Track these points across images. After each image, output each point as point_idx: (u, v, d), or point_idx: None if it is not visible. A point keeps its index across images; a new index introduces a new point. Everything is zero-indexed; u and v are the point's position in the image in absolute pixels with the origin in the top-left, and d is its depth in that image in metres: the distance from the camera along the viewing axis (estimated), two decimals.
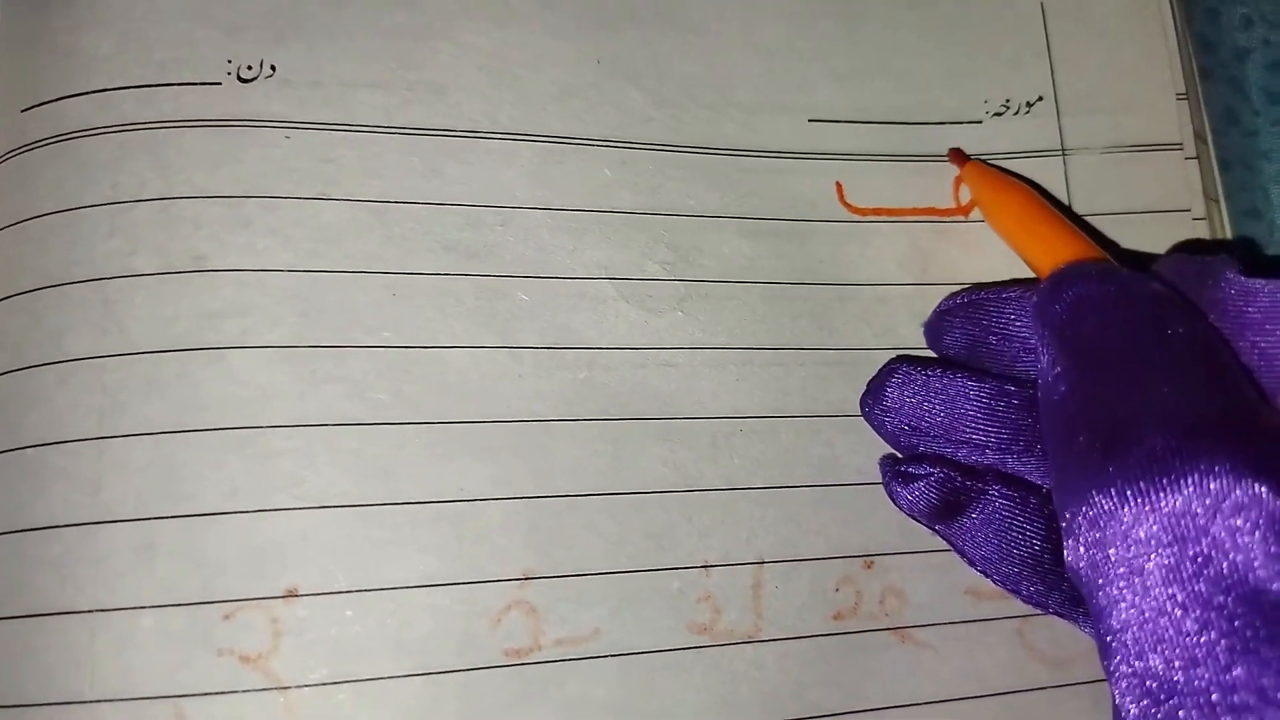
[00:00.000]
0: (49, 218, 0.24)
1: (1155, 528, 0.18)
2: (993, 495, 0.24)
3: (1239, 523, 0.18)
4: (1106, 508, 0.19)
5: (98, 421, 0.23)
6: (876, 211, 0.28)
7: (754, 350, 0.26)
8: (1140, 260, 0.26)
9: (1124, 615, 0.19)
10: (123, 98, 0.24)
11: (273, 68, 0.25)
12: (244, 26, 0.25)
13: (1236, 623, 0.18)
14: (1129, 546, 0.19)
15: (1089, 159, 0.29)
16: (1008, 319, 0.24)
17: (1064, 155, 0.29)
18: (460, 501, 0.24)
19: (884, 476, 0.25)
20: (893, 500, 0.25)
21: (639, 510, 0.24)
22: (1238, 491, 0.18)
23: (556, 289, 0.25)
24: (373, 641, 0.23)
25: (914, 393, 0.25)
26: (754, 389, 0.26)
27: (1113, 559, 0.19)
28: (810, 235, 0.27)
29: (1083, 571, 0.19)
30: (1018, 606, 0.26)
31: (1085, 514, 0.19)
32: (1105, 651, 0.19)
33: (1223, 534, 0.18)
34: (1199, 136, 0.29)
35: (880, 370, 0.26)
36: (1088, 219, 0.28)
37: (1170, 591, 0.18)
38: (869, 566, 0.26)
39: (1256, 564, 0.18)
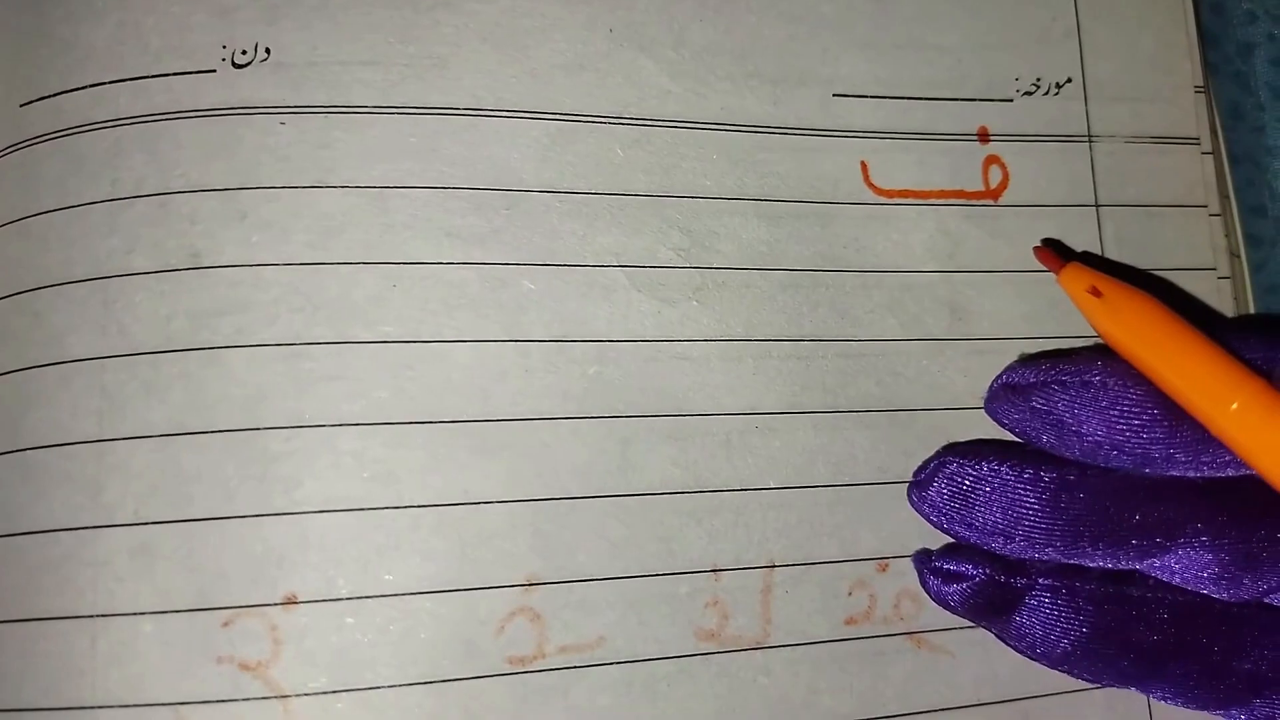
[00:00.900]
0: (49, 215, 0.23)
1: None
2: (1040, 591, 0.23)
3: None
4: None
5: (98, 423, 0.22)
6: (903, 193, 0.26)
7: (772, 342, 0.25)
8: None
9: None
10: (118, 91, 0.23)
11: (267, 51, 0.24)
12: (237, 7, 0.24)
13: None
14: None
15: (1114, 147, 0.27)
16: (1087, 409, 0.23)
17: (1090, 141, 0.27)
18: (463, 504, 0.23)
19: (919, 571, 0.24)
20: (930, 594, 0.24)
21: (647, 512, 0.24)
22: None
23: (565, 277, 0.24)
24: (374, 649, 0.22)
25: (966, 491, 0.24)
26: (771, 383, 0.25)
27: None
28: (833, 218, 0.26)
29: None
30: None
31: None
32: None
33: None
34: (1212, 132, 0.28)
35: (929, 463, 0.25)
36: (1114, 209, 0.27)
37: None
38: (884, 569, 0.25)
39: None
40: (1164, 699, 0.24)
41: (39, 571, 0.22)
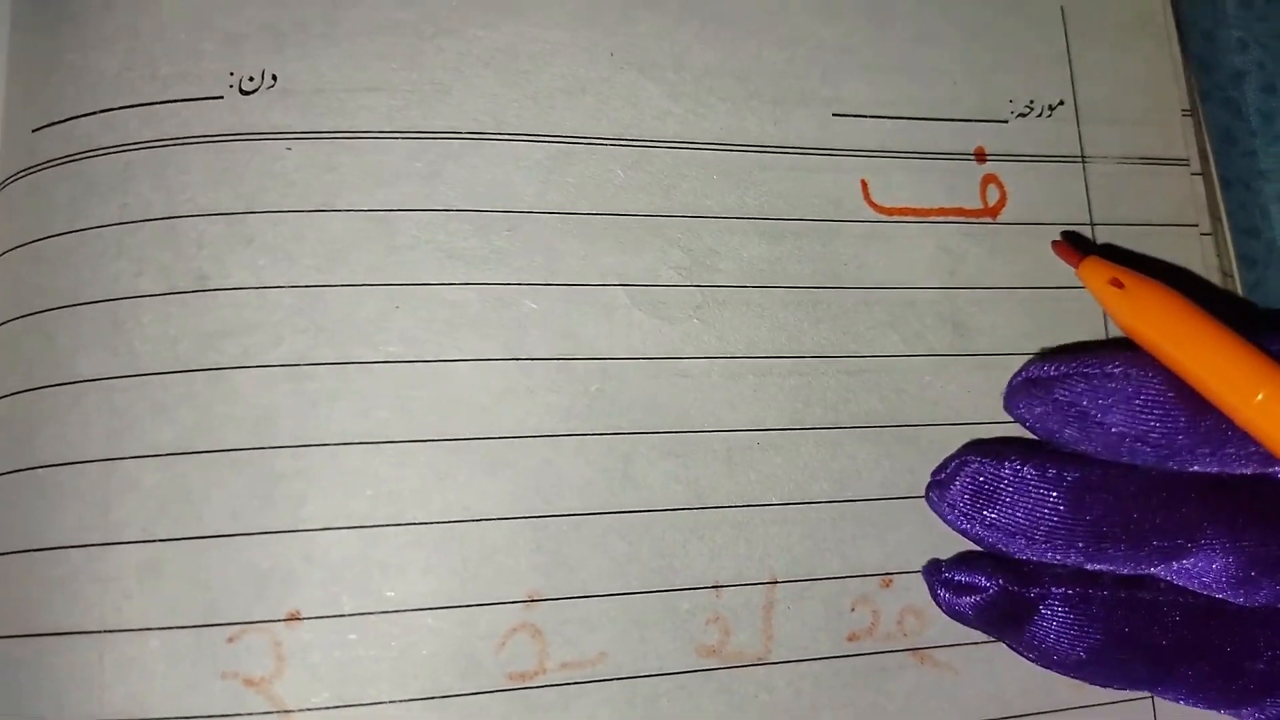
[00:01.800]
0: (60, 238, 0.24)
1: None
2: (1054, 600, 0.23)
3: None
4: None
5: (107, 442, 0.23)
6: (903, 211, 0.27)
7: (773, 359, 0.25)
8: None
9: None
10: (127, 117, 0.24)
11: (274, 77, 0.24)
12: (245, 35, 0.24)
13: None
14: None
15: (1106, 168, 0.28)
16: (1110, 399, 0.23)
17: (1084, 162, 0.28)
18: (466, 521, 0.23)
19: (929, 584, 0.24)
20: (941, 607, 0.24)
21: (649, 529, 0.24)
22: None
23: (566, 297, 0.25)
24: (376, 665, 0.22)
25: (988, 491, 0.24)
26: (773, 400, 0.25)
27: None
28: (834, 236, 0.26)
29: None
30: None
31: None
32: None
33: None
34: (1202, 155, 0.29)
35: (950, 462, 0.25)
36: (1108, 228, 0.28)
37: None
38: (887, 585, 0.25)
39: None
40: (1176, 700, 0.24)
41: (49, 587, 0.22)
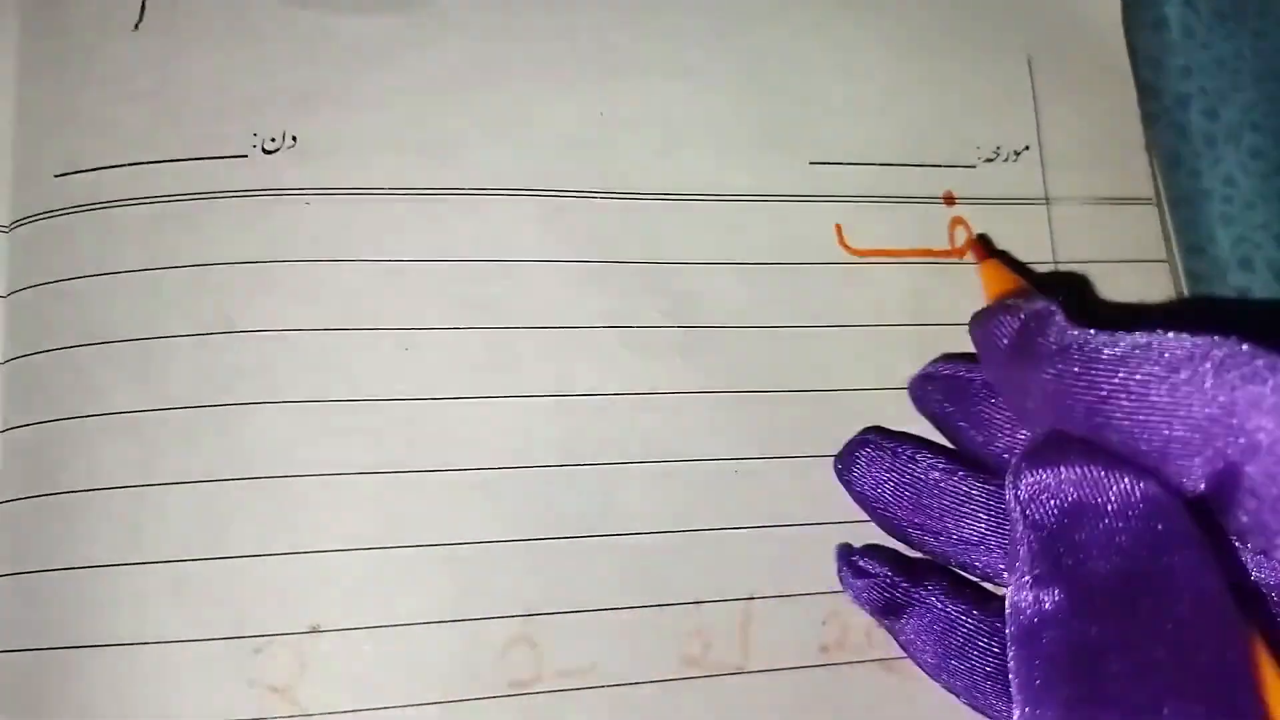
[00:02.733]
0: (90, 279, 0.26)
1: None
2: (933, 603, 0.24)
3: None
4: None
5: (139, 470, 0.25)
6: (875, 252, 0.29)
7: (750, 393, 0.27)
8: (1117, 318, 0.27)
9: None
10: (158, 171, 0.26)
11: (294, 139, 0.27)
12: (267, 100, 0.27)
13: None
14: None
15: (1071, 209, 0.30)
16: (988, 406, 0.25)
17: (1048, 204, 0.29)
18: (469, 544, 0.26)
19: (838, 562, 0.26)
20: (841, 584, 0.26)
21: (635, 550, 0.26)
22: None
23: (560, 338, 0.27)
24: (389, 673, 0.25)
25: (880, 471, 0.26)
26: (750, 430, 0.27)
27: None
28: (809, 277, 0.28)
29: None
30: None
31: None
32: None
33: None
34: (1152, 177, 0.31)
35: (851, 440, 0.27)
36: (1071, 266, 0.29)
37: None
38: None
39: None
40: None
41: (83, 603, 0.25)
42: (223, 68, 0.27)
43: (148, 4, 0.27)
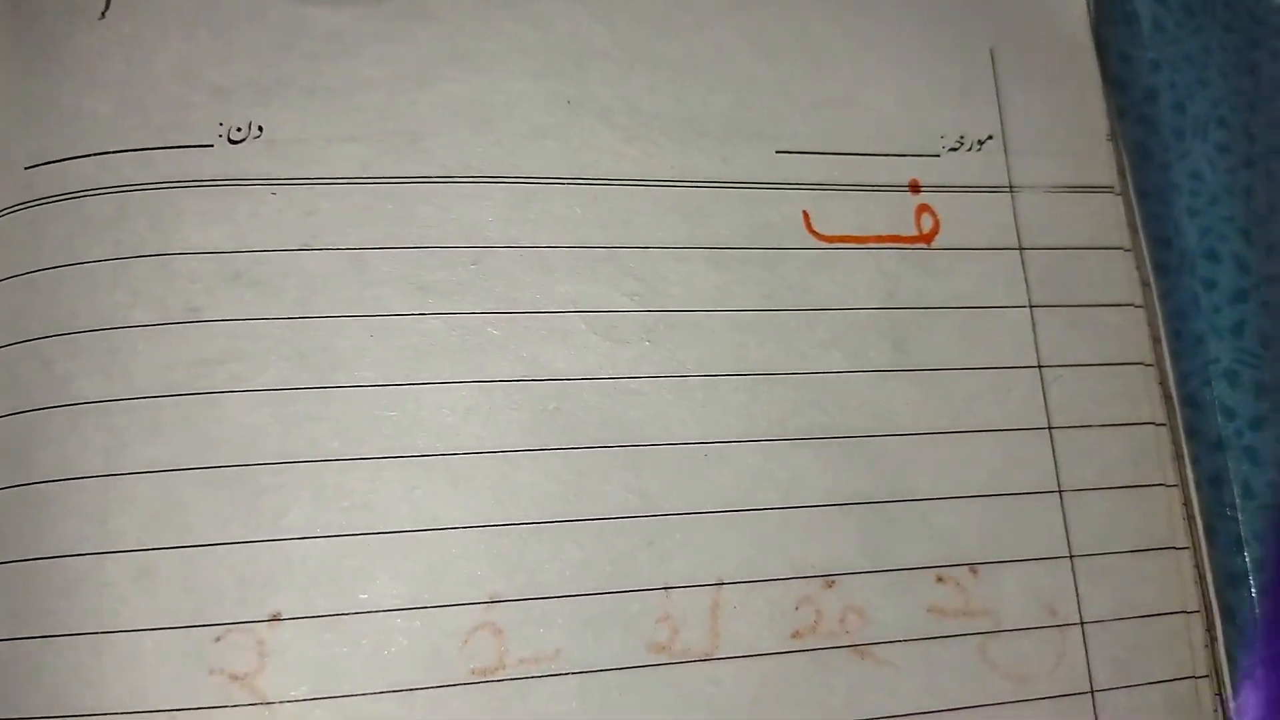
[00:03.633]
0: (57, 270, 0.26)
1: None
2: None
3: None
4: None
5: (104, 460, 0.25)
6: (843, 239, 0.29)
7: (720, 377, 0.27)
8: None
9: None
10: (123, 160, 0.26)
11: (260, 128, 0.27)
12: (233, 89, 0.27)
13: None
14: None
15: (1035, 197, 0.30)
16: None
17: (1012, 192, 0.30)
18: (432, 530, 0.25)
19: None
20: None
21: (602, 536, 0.26)
22: None
23: (526, 324, 0.27)
24: (350, 661, 0.24)
25: None
26: (720, 414, 0.27)
27: None
28: (778, 262, 0.28)
29: None
30: (981, 623, 0.27)
31: None
32: None
33: None
34: (1120, 171, 0.31)
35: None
36: (1036, 253, 0.29)
37: None
38: (830, 585, 0.26)
39: None
40: None
41: (50, 593, 0.25)
42: (189, 57, 0.27)
43: None
